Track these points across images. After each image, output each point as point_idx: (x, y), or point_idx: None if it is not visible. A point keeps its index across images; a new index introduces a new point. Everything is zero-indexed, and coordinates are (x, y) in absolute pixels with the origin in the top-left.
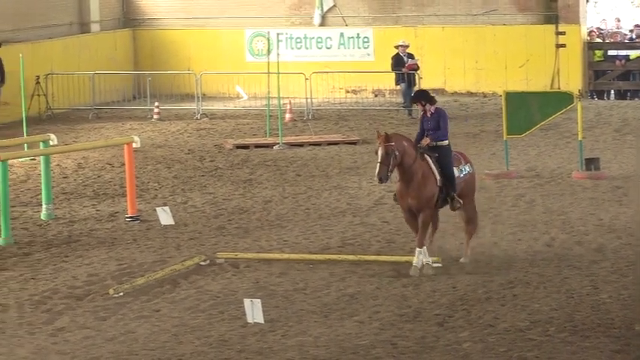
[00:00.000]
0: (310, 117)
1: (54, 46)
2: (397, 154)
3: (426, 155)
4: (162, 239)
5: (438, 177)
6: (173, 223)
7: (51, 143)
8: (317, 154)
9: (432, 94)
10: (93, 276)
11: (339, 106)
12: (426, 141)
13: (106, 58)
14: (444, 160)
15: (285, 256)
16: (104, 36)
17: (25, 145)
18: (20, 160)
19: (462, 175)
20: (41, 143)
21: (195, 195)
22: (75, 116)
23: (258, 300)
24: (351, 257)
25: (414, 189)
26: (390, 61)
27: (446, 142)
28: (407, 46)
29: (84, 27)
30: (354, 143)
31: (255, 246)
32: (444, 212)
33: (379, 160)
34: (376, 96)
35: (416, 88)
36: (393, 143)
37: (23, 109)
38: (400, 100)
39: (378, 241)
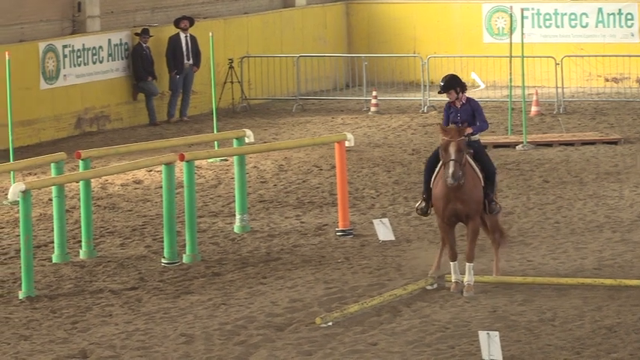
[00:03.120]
0: (561, 111)
1: (250, 24)
2: (467, 150)
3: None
4: (380, 258)
5: (481, 176)
6: (393, 238)
7: (246, 140)
8: (569, 155)
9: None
10: (296, 302)
11: (596, 98)
12: (469, 130)
13: (313, 38)
14: (482, 156)
15: (530, 279)
16: (312, 11)
17: (216, 142)
18: (209, 160)
19: None
20: (235, 140)
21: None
22: (275, 108)
23: (496, 333)
24: (609, 282)
25: (464, 192)
26: None
27: (477, 137)
28: None
29: (287, 0)
30: (614, 143)
31: (493, 267)
32: None
33: (453, 158)
34: None
35: None
36: (463, 137)
37: (213, 100)
38: None
39: None
